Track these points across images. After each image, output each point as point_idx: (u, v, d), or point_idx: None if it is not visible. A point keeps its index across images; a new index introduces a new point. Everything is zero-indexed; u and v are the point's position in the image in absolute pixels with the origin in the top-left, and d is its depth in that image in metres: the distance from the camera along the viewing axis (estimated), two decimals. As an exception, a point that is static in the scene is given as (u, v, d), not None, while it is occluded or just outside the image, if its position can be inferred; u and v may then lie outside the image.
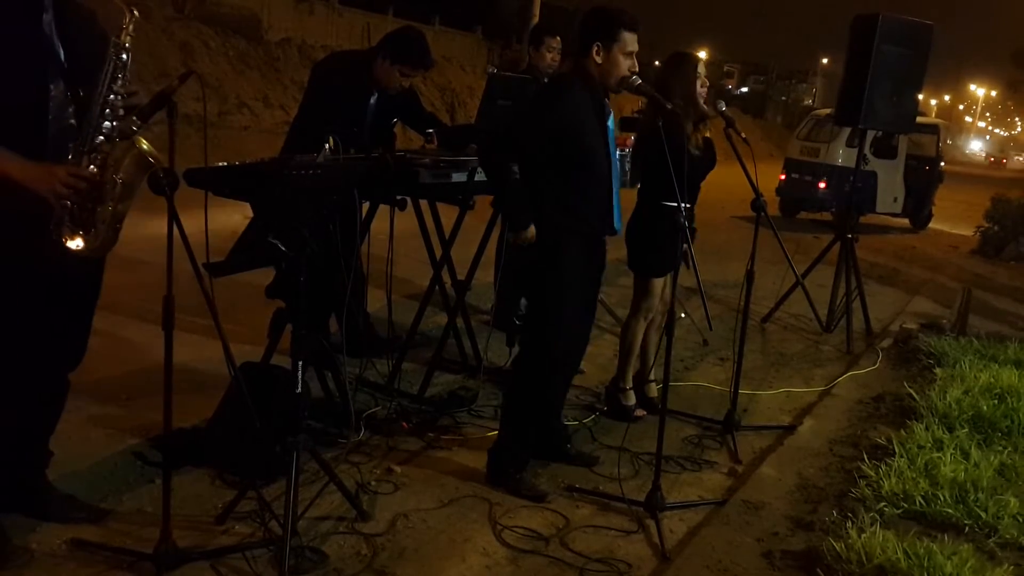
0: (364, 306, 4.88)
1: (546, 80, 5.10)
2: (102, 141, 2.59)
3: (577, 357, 3.96)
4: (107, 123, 2.59)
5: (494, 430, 3.96)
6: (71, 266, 2.67)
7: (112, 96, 2.59)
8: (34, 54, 2.57)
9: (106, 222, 2.63)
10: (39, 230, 2.57)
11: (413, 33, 4.55)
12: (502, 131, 3.67)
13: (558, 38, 5.52)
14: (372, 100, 4.50)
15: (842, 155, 13.08)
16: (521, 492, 3.61)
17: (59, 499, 3.04)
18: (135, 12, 2.60)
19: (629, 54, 3.53)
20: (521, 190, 3.56)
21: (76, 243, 2.61)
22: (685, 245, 3.64)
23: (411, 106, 4.85)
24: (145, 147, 2.63)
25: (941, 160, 15.01)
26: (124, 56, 2.60)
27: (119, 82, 2.60)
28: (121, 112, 2.62)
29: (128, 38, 2.60)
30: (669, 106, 3.63)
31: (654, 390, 4.73)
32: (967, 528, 3.50)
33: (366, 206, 4.36)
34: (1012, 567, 3.22)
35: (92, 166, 2.59)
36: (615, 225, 3.71)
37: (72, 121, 2.61)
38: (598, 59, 3.52)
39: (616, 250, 4.09)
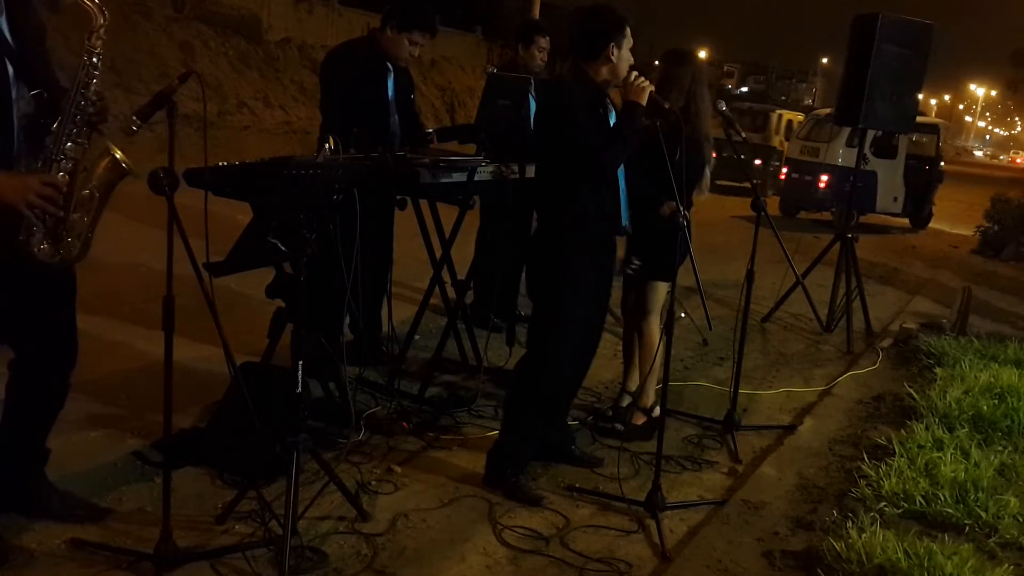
0: (377, 313, 4.82)
1: (531, 77, 5.11)
2: (72, 147, 2.57)
3: (587, 360, 3.91)
4: (77, 129, 2.56)
5: (494, 430, 3.96)
6: (41, 267, 2.63)
7: (83, 102, 2.56)
8: None
9: (77, 231, 2.61)
10: (10, 235, 2.54)
11: None
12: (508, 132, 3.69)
13: (547, 38, 5.52)
14: (390, 78, 4.53)
15: (842, 155, 13.09)
16: (517, 495, 3.60)
17: (59, 497, 3.04)
18: (106, 14, 2.57)
19: (631, 49, 3.58)
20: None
21: (47, 252, 2.58)
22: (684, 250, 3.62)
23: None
24: (118, 155, 2.61)
25: (941, 160, 15.02)
26: (95, 60, 2.57)
27: (91, 87, 2.57)
28: (91, 118, 2.59)
29: (100, 41, 2.57)
30: (667, 106, 3.63)
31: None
32: (967, 528, 3.50)
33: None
34: (1012, 567, 3.22)
35: (63, 174, 2.56)
36: (623, 224, 3.71)
37: (35, 121, 2.57)
38: (614, 58, 3.53)
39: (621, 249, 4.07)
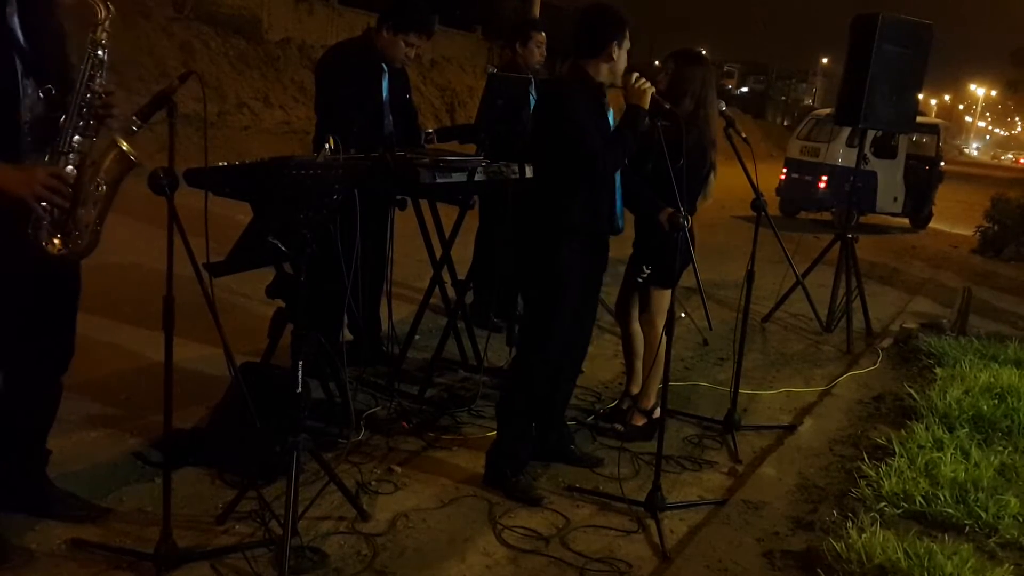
0: (375, 312, 4.81)
1: (531, 76, 5.10)
2: (79, 141, 2.56)
3: (578, 358, 3.94)
4: (83, 122, 2.56)
5: (494, 430, 3.95)
6: (49, 266, 2.64)
7: (89, 95, 2.56)
8: (2, 49, 2.52)
9: (86, 224, 2.60)
10: (17, 231, 2.54)
11: None
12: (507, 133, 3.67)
13: (543, 33, 5.52)
14: (385, 79, 4.46)
15: (842, 155, 13.08)
16: (516, 495, 3.60)
17: (60, 497, 3.04)
18: (110, 7, 2.56)
19: (627, 50, 3.59)
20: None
21: (56, 246, 2.58)
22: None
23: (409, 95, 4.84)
24: (125, 147, 2.60)
25: (941, 160, 15.02)
26: (100, 53, 2.56)
27: (96, 81, 2.56)
28: (98, 111, 2.58)
29: (104, 34, 2.56)
30: (667, 106, 3.63)
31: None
32: (967, 528, 3.50)
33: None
34: (1012, 567, 3.22)
35: (70, 167, 2.55)
36: (618, 224, 3.71)
37: (43, 117, 2.56)
38: (615, 56, 3.54)
39: (617, 249, 4.06)
